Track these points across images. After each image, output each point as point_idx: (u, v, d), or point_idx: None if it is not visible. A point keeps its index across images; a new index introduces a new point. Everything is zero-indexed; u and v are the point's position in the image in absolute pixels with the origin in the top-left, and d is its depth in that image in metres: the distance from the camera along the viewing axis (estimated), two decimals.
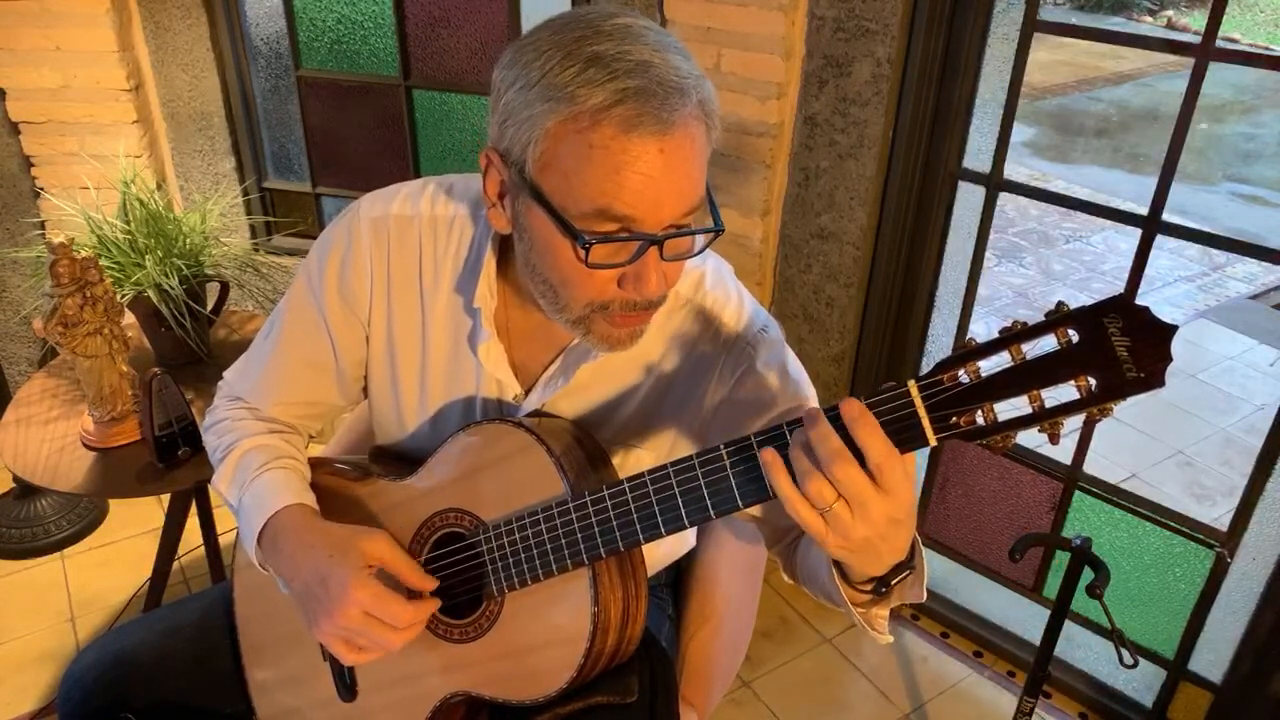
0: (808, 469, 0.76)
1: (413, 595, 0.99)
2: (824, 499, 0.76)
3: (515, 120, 0.85)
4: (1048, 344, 0.71)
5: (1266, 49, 9.01)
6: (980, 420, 0.74)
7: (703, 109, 0.84)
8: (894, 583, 0.88)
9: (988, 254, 1.99)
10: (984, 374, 0.73)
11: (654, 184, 0.82)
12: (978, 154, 1.90)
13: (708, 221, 0.89)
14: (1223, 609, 1.87)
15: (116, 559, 2.38)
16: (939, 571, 2.29)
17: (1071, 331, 0.70)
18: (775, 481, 0.77)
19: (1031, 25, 1.73)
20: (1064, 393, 0.71)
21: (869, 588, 0.90)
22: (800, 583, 1.08)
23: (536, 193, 0.85)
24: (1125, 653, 1.63)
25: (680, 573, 1.39)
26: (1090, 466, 1.97)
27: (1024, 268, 4.95)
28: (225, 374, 1.20)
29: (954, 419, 0.74)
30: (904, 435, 0.76)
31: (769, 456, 0.78)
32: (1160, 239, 1.72)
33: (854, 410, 0.75)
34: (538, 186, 0.85)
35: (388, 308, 1.07)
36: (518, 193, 0.89)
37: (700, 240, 0.91)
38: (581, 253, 0.83)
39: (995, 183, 1.88)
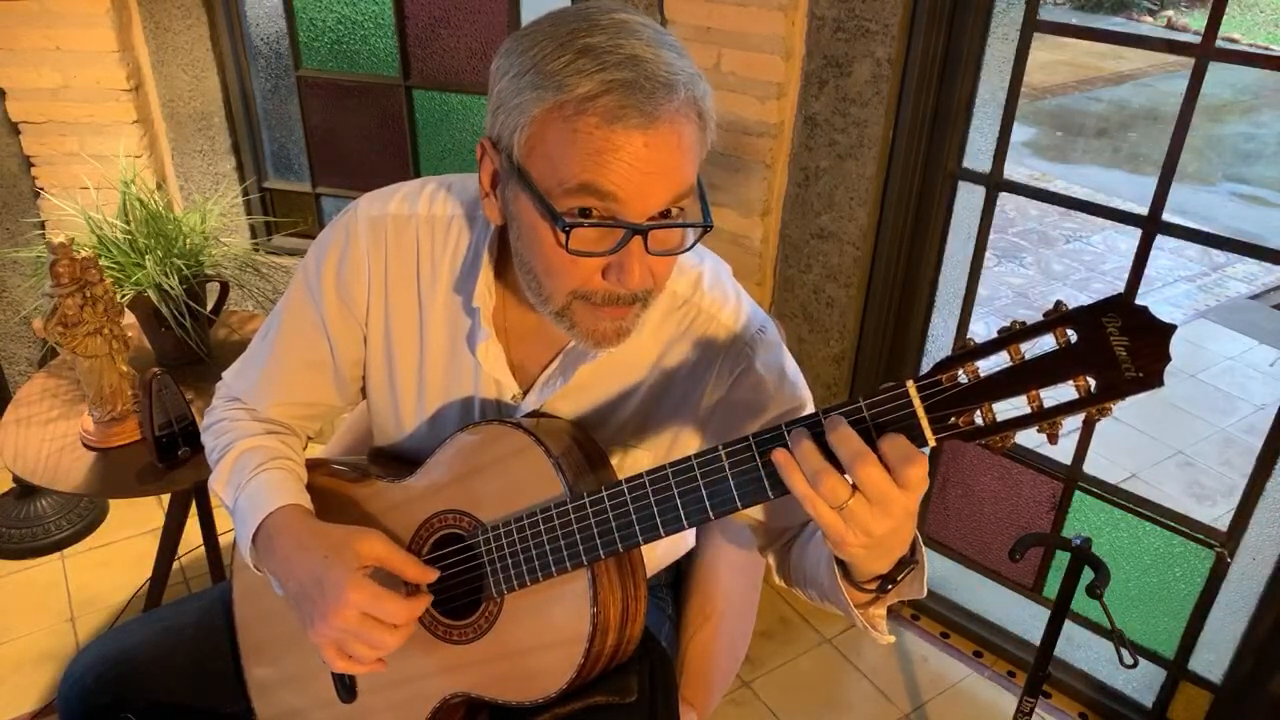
0: (820, 467, 0.76)
1: (409, 591, 0.99)
2: (839, 496, 0.76)
3: (506, 107, 0.86)
4: (1046, 344, 0.71)
5: (1266, 49, 9.01)
6: (979, 420, 0.74)
7: (694, 106, 0.84)
8: (899, 579, 0.88)
9: (988, 254, 1.99)
10: (983, 374, 0.73)
11: (638, 172, 0.82)
12: (978, 154, 1.90)
13: (698, 218, 0.89)
14: (1223, 609, 1.87)
15: (116, 559, 2.38)
16: (939, 571, 2.29)
17: (1070, 331, 0.70)
18: (792, 481, 0.77)
19: (1031, 25, 1.73)
20: (1063, 392, 0.71)
21: (873, 586, 0.90)
22: (794, 585, 1.08)
23: (523, 177, 0.86)
24: (1125, 653, 1.63)
25: (680, 573, 1.39)
26: (1090, 466, 1.97)
27: (1024, 268, 4.95)
28: (224, 374, 1.20)
29: (952, 419, 0.74)
30: None
31: (782, 457, 0.78)
32: (1160, 239, 1.72)
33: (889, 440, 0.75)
34: (524, 170, 0.86)
35: (385, 307, 1.07)
36: (507, 179, 0.89)
37: (689, 237, 0.91)
38: (562, 236, 0.84)
39: (995, 183, 1.88)
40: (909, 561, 0.88)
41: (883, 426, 0.76)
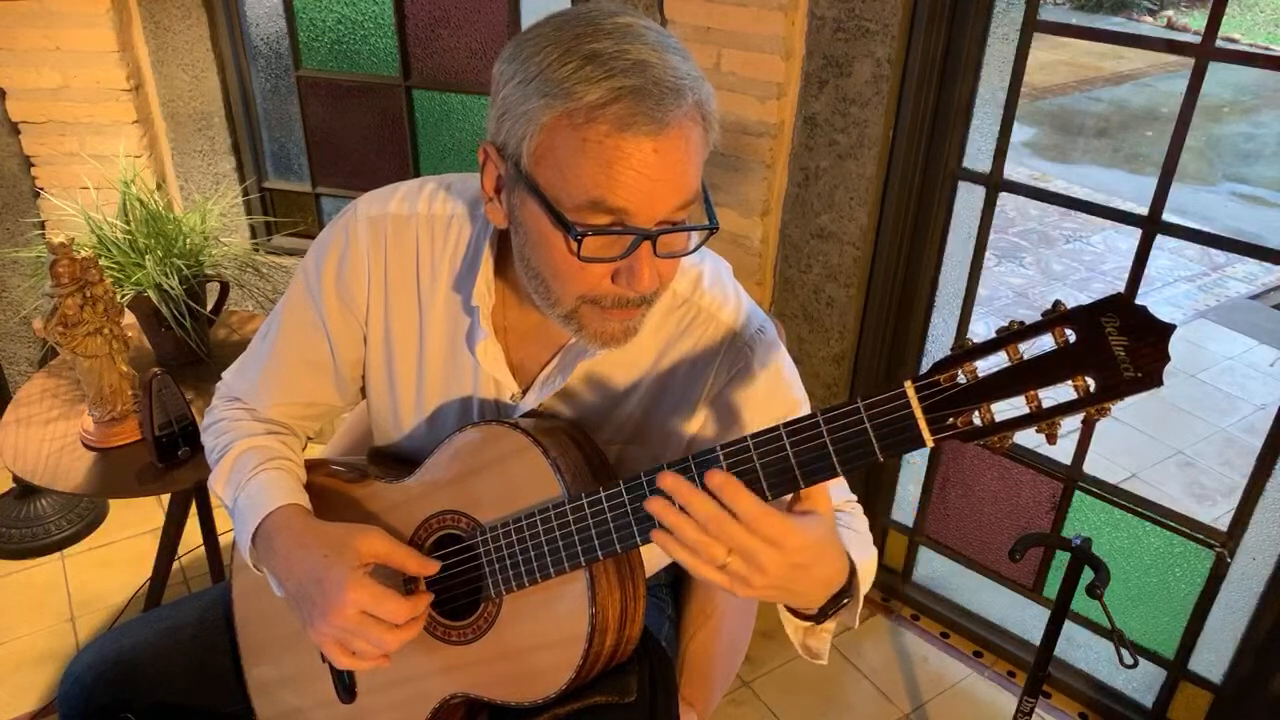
0: (694, 538, 0.80)
1: (409, 591, 0.99)
2: (716, 557, 0.80)
3: (512, 114, 0.85)
4: (1045, 344, 0.71)
5: (1266, 49, 9.00)
6: (978, 421, 0.74)
7: (699, 110, 0.84)
8: (831, 613, 0.91)
9: (988, 254, 1.99)
10: (981, 374, 0.73)
11: (647, 180, 0.82)
12: (978, 154, 1.90)
13: (703, 219, 0.89)
14: (1223, 609, 1.87)
15: (116, 559, 2.38)
16: (939, 571, 2.29)
17: (1069, 331, 0.70)
18: (671, 551, 0.82)
19: (1031, 25, 1.73)
20: (1062, 393, 0.71)
21: (811, 614, 0.93)
22: None
23: (531, 185, 0.86)
24: (1125, 653, 1.63)
25: (680, 573, 1.39)
26: (1090, 466, 1.97)
27: (1024, 268, 4.95)
28: (223, 374, 1.20)
29: (951, 420, 0.74)
30: (901, 437, 0.76)
31: (659, 537, 0.82)
32: (1160, 239, 1.72)
33: (716, 480, 0.79)
34: (532, 179, 0.86)
35: (385, 307, 1.07)
36: (513, 186, 0.89)
37: (695, 238, 0.91)
38: (574, 245, 0.84)
39: (995, 183, 1.88)
40: (846, 594, 0.91)
41: (881, 429, 0.76)
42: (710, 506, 0.79)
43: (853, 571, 0.91)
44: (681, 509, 0.81)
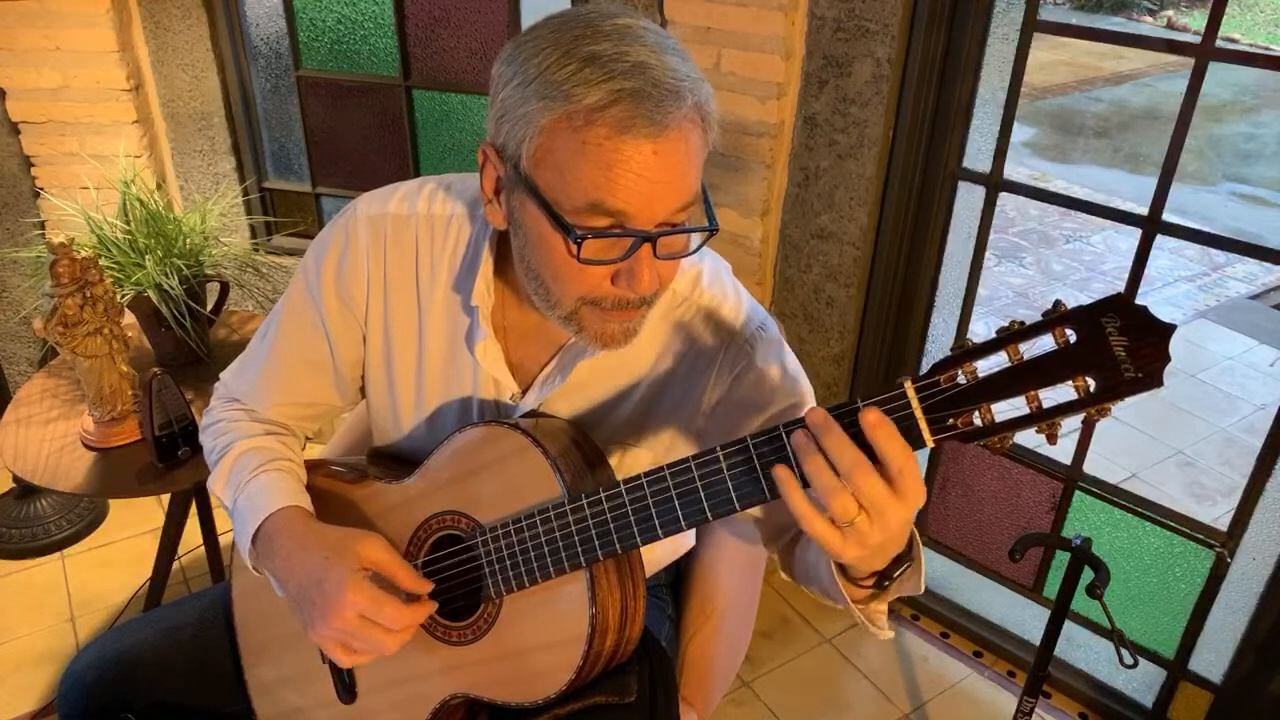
0: (832, 485, 0.74)
1: (409, 598, 0.99)
2: (848, 514, 0.75)
3: (511, 116, 0.85)
4: (1045, 344, 0.71)
5: (1266, 49, 9.01)
6: (978, 421, 0.74)
7: (699, 111, 0.84)
8: (895, 575, 0.88)
9: (988, 254, 1.99)
10: (981, 374, 0.73)
11: (646, 182, 0.82)
12: (978, 154, 1.90)
13: (703, 220, 0.89)
14: (1223, 609, 1.87)
15: (116, 559, 2.38)
16: (939, 571, 2.29)
17: (1069, 331, 0.70)
18: (791, 499, 0.76)
19: (1031, 25, 1.73)
20: (1062, 393, 0.71)
21: (870, 583, 0.90)
22: (798, 580, 1.08)
23: (531, 187, 0.86)
24: (1125, 653, 1.63)
25: (680, 573, 1.39)
26: (1090, 466, 1.97)
27: (1024, 268, 4.95)
28: (222, 375, 1.20)
29: (951, 420, 0.74)
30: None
31: (783, 474, 0.77)
32: (1160, 239, 1.72)
33: (874, 417, 0.73)
34: (532, 181, 0.85)
35: (385, 307, 1.07)
36: (513, 188, 0.89)
37: (695, 239, 0.91)
38: (574, 247, 0.84)
39: (995, 183, 1.88)
40: (905, 558, 0.88)
41: None
42: (858, 453, 0.74)
43: (912, 535, 0.88)
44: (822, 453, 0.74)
